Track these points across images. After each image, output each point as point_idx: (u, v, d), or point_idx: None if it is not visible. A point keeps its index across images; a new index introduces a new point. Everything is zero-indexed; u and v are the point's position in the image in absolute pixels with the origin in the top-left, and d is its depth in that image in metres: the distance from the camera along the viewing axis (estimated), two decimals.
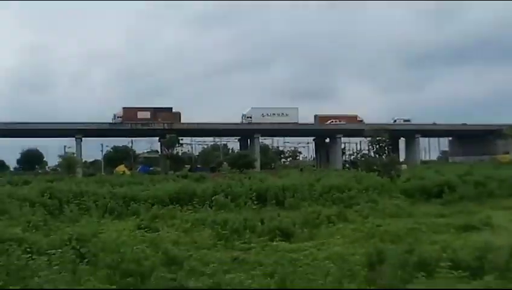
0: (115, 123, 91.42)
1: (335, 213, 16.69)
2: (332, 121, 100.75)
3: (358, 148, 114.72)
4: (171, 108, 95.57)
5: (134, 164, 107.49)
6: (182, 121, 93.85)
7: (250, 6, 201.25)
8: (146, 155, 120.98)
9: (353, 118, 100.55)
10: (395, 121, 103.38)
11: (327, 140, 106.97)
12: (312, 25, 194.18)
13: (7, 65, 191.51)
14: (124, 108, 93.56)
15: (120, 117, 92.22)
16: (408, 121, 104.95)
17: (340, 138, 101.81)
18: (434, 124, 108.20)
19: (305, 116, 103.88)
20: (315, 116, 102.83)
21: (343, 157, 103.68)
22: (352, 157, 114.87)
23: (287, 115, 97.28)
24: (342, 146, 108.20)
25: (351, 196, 21.45)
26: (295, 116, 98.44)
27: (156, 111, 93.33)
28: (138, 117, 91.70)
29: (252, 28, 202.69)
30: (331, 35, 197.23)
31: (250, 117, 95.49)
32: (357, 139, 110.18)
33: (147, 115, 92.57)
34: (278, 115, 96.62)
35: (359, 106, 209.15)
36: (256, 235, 13.12)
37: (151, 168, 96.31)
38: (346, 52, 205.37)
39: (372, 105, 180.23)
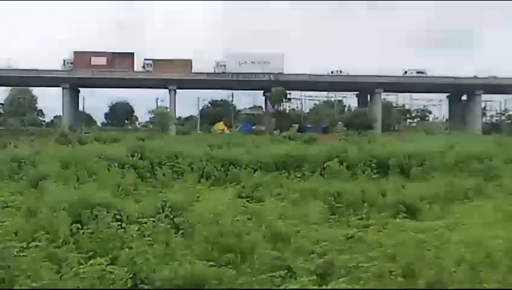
0: (214, 73, 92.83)
1: (472, 187, 16.28)
2: None
3: (503, 108, 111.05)
4: (133, 53, 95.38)
5: (234, 121, 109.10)
6: (282, 70, 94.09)
7: None
8: (248, 112, 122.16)
9: None
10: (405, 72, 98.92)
11: (464, 97, 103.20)
12: None
13: (94, 4, 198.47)
14: (75, 52, 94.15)
15: (71, 63, 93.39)
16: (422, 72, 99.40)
17: (480, 95, 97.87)
18: None
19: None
20: None
21: (483, 119, 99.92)
22: (494, 119, 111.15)
23: (269, 62, 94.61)
24: (482, 105, 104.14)
25: (493, 166, 20.78)
26: (280, 64, 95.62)
27: (114, 57, 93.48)
28: (92, 63, 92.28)
29: None
30: None
31: (224, 65, 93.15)
32: (502, 97, 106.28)
33: (102, 61, 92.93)
34: (259, 62, 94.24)
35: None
36: (376, 210, 13.00)
37: (253, 127, 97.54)
38: None
39: None
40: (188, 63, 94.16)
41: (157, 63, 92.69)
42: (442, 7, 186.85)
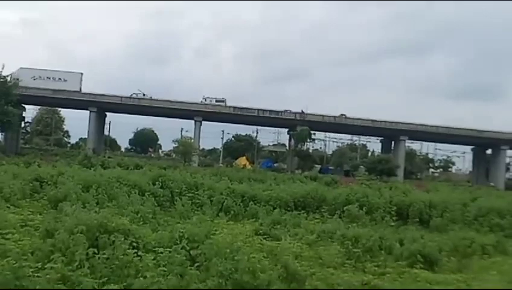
0: (240, 108, 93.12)
1: (492, 243, 16.02)
2: None
3: None
4: None
5: (257, 157, 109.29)
6: (308, 111, 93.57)
7: None
8: (271, 148, 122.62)
9: None
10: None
11: (488, 151, 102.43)
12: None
13: (127, 32, 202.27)
14: None
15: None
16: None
17: (505, 150, 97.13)
18: None
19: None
20: None
21: (507, 175, 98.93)
22: None
23: (65, 80, 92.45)
24: (507, 161, 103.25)
25: None
26: (77, 82, 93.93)
27: None
28: None
29: (408, 9, 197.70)
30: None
31: (18, 79, 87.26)
32: None
33: None
34: (55, 79, 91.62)
35: None
36: (393, 258, 12.92)
37: (275, 164, 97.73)
38: None
39: None
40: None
41: None
42: (471, 59, 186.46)
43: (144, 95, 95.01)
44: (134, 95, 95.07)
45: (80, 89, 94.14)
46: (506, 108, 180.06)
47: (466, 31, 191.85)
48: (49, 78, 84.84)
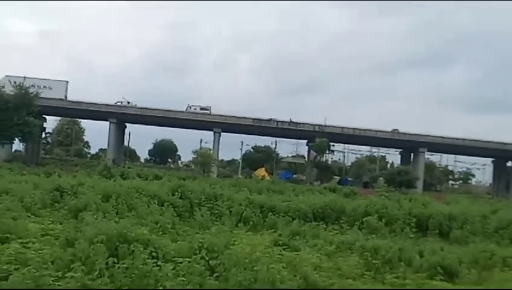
0: (259, 119, 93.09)
1: None
2: None
3: None
4: None
5: (276, 168, 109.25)
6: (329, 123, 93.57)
7: None
8: (290, 160, 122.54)
9: None
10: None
11: (509, 164, 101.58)
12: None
13: (146, 44, 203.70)
14: None
15: None
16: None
17: None
18: None
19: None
20: None
21: None
22: None
23: (50, 88, 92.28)
24: None
25: None
26: (62, 91, 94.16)
27: None
28: None
29: (427, 19, 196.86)
30: None
31: (3, 87, 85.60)
32: None
33: None
34: (39, 87, 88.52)
35: None
36: (413, 269, 12.83)
37: (294, 176, 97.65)
38: None
39: None
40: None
41: None
42: (491, 70, 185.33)
43: (128, 102, 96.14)
44: (119, 103, 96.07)
45: (66, 97, 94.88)
46: None
47: (486, 42, 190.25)
48: (34, 86, 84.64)
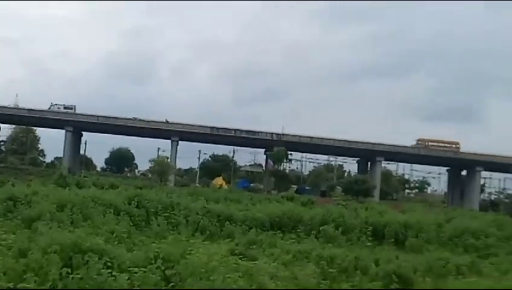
0: (217, 128, 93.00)
1: (466, 263, 16.13)
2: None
3: (502, 187, 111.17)
4: None
5: (234, 177, 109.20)
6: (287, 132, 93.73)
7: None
8: (248, 169, 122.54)
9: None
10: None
11: (463, 172, 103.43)
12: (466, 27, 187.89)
13: (103, 51, 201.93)
14: None
15: None
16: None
17: (480, 171, 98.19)
18: None
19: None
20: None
21: (481, 196, 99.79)
22: (492, 196, 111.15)
23: None
24: (482, 182, 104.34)
25: (488, 244, 20.75)
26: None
27: None
28: None
29: (388, 29, 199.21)
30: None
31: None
32: (501, 176, 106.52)
33: None
34: None
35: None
36: (368, 278, 12.93)
37: (252, 185, 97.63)
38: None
39: None
40: None
41: None
42: (447, 80, 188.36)
43: (64, 108, 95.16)
44: (52, 108, 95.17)
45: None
46: (481, 130, 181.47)
47: (443, 53, 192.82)
48: None
